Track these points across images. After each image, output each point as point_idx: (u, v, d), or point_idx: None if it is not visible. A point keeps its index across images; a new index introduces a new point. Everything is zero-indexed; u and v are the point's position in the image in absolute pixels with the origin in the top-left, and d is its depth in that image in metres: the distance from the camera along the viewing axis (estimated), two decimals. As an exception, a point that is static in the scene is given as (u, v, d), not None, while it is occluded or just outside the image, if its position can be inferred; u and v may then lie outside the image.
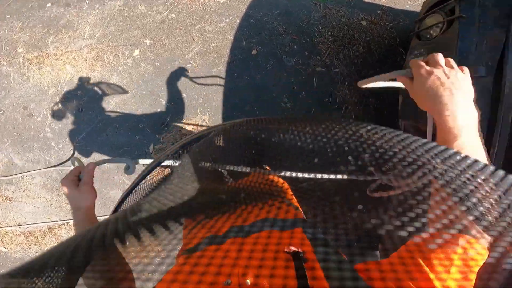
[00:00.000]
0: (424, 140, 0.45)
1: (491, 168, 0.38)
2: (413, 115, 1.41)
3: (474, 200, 0.35)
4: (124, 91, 2.09)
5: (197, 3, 2.18)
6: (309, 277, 0.36)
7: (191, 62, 2.11)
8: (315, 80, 2.07)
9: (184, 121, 2.07)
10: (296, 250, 0.41)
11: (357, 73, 2.08)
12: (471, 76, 0.89)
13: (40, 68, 2.08)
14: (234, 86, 2.09)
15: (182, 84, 2.10)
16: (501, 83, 1.11)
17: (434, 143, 0.44)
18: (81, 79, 2.08)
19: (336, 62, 2.09)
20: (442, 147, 0.42)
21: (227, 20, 2.16)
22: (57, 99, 2.08)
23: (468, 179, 0.37)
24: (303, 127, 0.61)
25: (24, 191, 2.13)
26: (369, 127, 0.53)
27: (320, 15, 2.17)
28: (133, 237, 0.42)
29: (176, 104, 2.09)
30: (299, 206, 0.66)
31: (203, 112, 2.07)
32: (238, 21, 2.16)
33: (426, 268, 0.35)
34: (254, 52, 2.12)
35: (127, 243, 0.41)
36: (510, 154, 0.90)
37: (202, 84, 2.09)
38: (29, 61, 2.09)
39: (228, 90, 2.09)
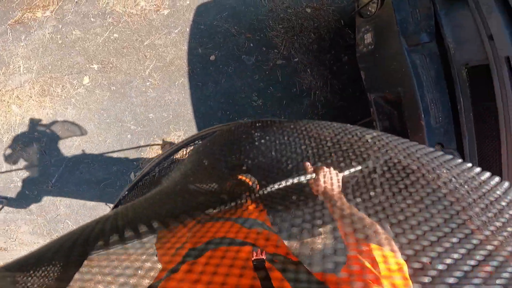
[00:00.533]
0: (430, 149, 0.47)
1: (497, 179, 0.39)
2: (377, 87, 1.53)
3: (476, 209, 0.36)
4: (81, 130, 1.91)
5: (139, 19, 2.06)
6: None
7: (149, 80, 2.00)
8: (278, 73, 2.13)
9: (159, 141, 1.98)
10: (259, 258, 0.43)
11: (315, 58, 2.18)
12: (417, 43, 1.00)
13: (-18, 115, 1.81)
14: (201, 95, 2.04)
15: (147, 104, 1.99)
16: (445, 46, 1.26)
17: (440, 152, 0.45)
18: (32, 119, 1.86)
19: (294, 52, 2.16)
20: (448, 157, 0.43)
21: (176, 30, 2.09)
22: (15, 145, 1.85)
23: (472, 189, 0.38)
24: (308, 131, 0.63)
25: (15, 240, 1.98)
26: (374, 134, 0.55)
27: (267, 10, 2.21)
28: (132, 232, 0.41)
29: (145, 126, 1.98)
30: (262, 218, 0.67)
31: (176, 128, 2.00)
32: (188, 29, 2.10)
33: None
34: (212, 57, 2.09)
35: (126, 239, 0.41)
36: (476, 104, 1.05)
37: (168, 100, 2.01)
38: (-37, 112, 1.79)
39: (196, 100, 2.04)
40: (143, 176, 0.93)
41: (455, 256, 0.32)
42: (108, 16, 2.00)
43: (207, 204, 0.57)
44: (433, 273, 0.31)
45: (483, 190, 0.38)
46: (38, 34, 1.89)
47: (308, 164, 0.64)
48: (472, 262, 0.31)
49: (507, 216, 0.35)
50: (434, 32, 1.32)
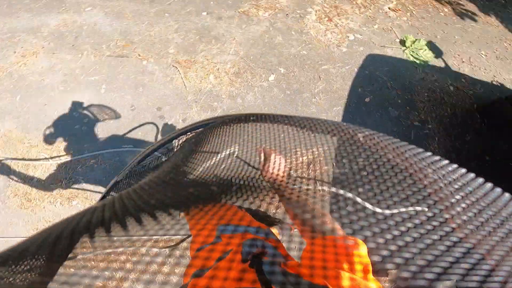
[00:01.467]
0: (419, 150, 0.49)
1: (480, 180, 0.42)
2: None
3: (458, 209, 0.38)
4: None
5: (323, 47, 2.46)
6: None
7: (316, 97, 2.38)
8: (412, 133, 2.48)
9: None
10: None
11: (444, 130, 2.53)
12: None
13: (186, 72, 2.17)
14: (349, 125, 2.40)
15: (306, 115, 2.35)
16: None
17: (429, 153, 0.47)
18: (220, 91, 2.22)
19: (430, 119, 2.53)
20: (436, 157, 0.46)
21: (347, 67, 2.48)
22: (194, 106, 2.19)
23: (456, 190, 0.40)
24: (301, 127, 0.64)
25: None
26: (366, 133, 0.55)
27: (419, 77, 2.60)
28: (118, 225, 0.41)
29: (298, 132, 2.33)
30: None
31: (323, 144, 2.35)
32: (355, 70, 2.50)
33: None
34: (367, 99, 2.47)
35: (112, 232, 0.40)
36: None
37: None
38: (177, 63, 2.16)
39: (343, 127, 2.39)
40: (131, 168, 0.92)
41: (436, 252, 0.33)
42: (304, 35, 2.40)
43: (197, 195, 0.59)
44: (414, 268, 0.32)
45: (466, 191, 0.40)
46: (255, 28, 2.29)
47: (261, 149, 0.67)
48: (451, 259, 0.32)
49: (485, 216, 0.36)
50: None
